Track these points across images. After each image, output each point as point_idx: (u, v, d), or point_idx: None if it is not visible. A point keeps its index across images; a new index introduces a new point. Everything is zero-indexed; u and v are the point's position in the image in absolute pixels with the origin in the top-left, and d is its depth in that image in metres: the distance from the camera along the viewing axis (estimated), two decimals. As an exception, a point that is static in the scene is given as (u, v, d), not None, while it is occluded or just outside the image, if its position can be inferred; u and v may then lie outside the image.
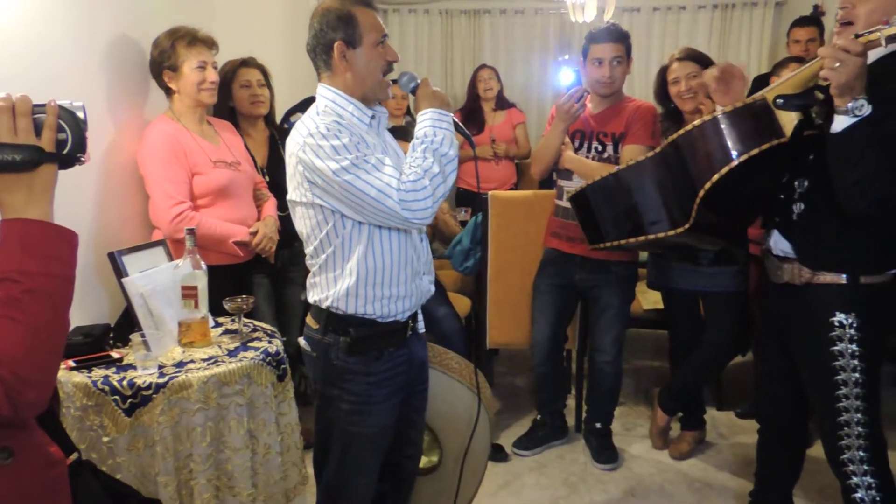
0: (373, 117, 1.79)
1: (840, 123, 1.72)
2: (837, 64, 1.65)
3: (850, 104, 1.68)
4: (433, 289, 1.94)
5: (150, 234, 2.42)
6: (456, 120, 1.79)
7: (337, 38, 1.70)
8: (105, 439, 1.80)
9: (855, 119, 1.69)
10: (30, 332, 0.98)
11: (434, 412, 2.19)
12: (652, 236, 2.12)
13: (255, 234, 2.54)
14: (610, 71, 2.75)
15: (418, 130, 1.73)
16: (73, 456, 1.20)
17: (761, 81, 3.51)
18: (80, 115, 1.10)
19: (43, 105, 1.06)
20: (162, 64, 2.41)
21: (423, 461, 2.30)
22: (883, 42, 1.62)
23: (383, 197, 1.62)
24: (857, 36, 1.66)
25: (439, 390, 2.21)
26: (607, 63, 2.74)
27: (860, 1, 1.76)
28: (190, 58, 2.39)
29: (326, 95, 1.76)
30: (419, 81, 1.83)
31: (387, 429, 1.86)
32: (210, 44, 2.47)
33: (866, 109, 1.68)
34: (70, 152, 1.08)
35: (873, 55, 1.73)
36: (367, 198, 1.63)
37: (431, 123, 1.73)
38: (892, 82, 1.72)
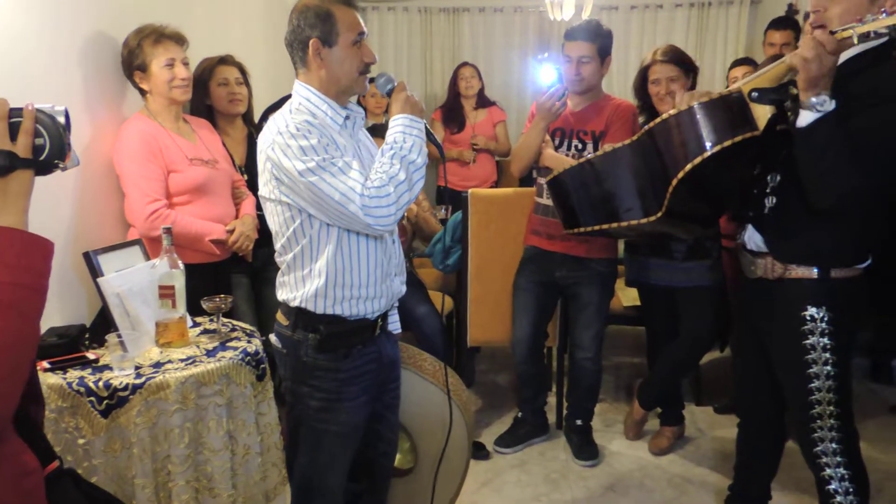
0: (347, 118, 1.79)
1: (805, 118, 1.75)
2: (811, 55, 1.68)
3: (813, 99, 1.71)
4: (404, 289, 1.95)
5: (126, 234, 2.40)
6: (427, 127, 1.80)
7: (313, 35, 1.70)
8: (81, 441, 1.78)
9: (818, 114, 1.71)
10: None
11: (408, 414, 2.20)
12: (625, 223, 2.13)
13: (231, 232, 2.52)
14: (576, 69, 2.76)
15: (388, 136, 1.73)
16: (54, 464, 1.17)
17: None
18: (61, 119, 1.07)
19: (20, 108, 1.03)
20: (132, 64, 2.39)
21: (400, 460, 2.30)
22: (855, 40, 1.64)
23: (346, 201, 1.61)
24: (832, 32, 1.68)
25: (412, 392, 2.21)
26: (574, 61, 2.75)
27: (832, 3, 1.78)
28: (157, 56, 2.36)
29: (301, 93, 1.76)
30: (395, 84, 1.82)
31: (356, 427, 1.86)
32: (178, 39, 2.43)
33: (829, 105, 1.71)
34: (47, 158, 1.05)
35: (842, 56, 1.76)
36: (330, 201, 1.63)
37: (402, 130, 1.73)
38: (858, 81, 1.76)
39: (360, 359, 1.82)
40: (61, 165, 1.08)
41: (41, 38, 2.10)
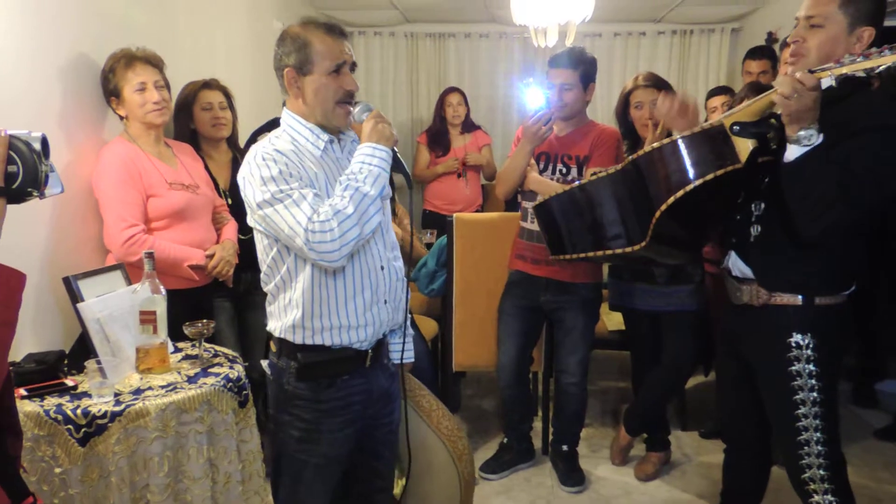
0: (331, 142, 1.77)
1: (792, 152, 1.77)
2: (789, 92, 1.70)
3: (801, 133, 1.73)
4: (399, 318, 1.90)
5: (103, 260, 2.36)
6: (397, 155, 1.75)
7: (288, 63, 1.70)
8: (57, 470, 1.73)
9: (806, 148, 1.73)
10: None
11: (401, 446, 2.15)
12: (611, 251, 2.14)
13: (211, 257, 2.49)
14: (559, 95, 2.79)
15: (350, 165, 1.69)
16: (28, 500, 1.13)
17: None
18: (37, 146, 1.04)
19: None
20: (108, 90, 2.38)
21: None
22: (833, 82, 1.68)
23: (293, 235, 1.59)
24: (812, 71, 1.70)
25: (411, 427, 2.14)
26: (557, 88, 2.78)
27: (810, 35, 1.81)
28: (130, 80, 2.34)
29: (286, 119, 1.76)
30: (369, 113, 1.78)
31: (338, 460, 1.82)
32: (151, 61, 2.39)
33: (816, 139, 1.72)
34: (20, 186, 1.02)
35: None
36: (282, 233, 1.62)
37: (361, 160, 1.68)
38: (838, 109, 1.77)
39: (345, 390, 1.77)
40: (35, 193, 1.05)
41: (20, 60, 2.08)
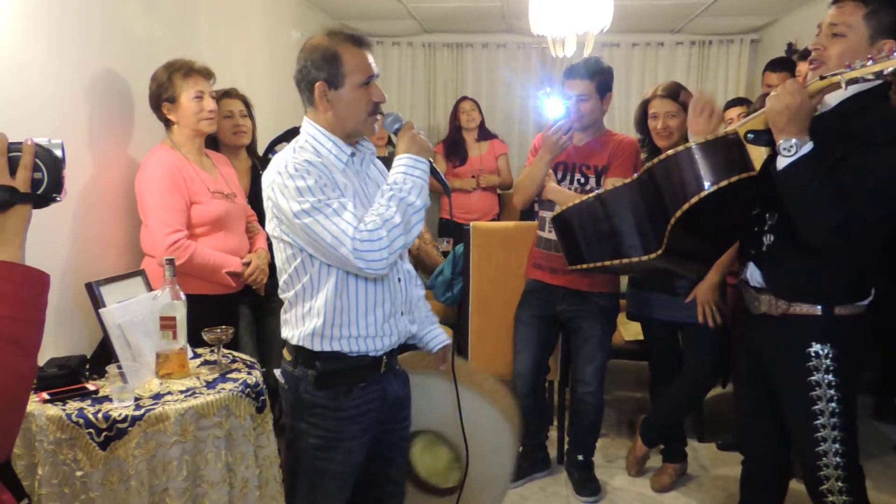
0: (353, 154, 1.78)
1: (779, 162, 1.80)
2: (770, 103, 1.76)
3: (782, 143, 1.76)
4: (415, 328, 1.92)
5: (130, 265, 2.41)
6: (433, 165, 1.77)
7: (319, 77, 1.70)
8: (78, 474, 1.76)
9: (788, 159, 1.76)
10: None
11: (455, 431, 2.10)
12: (627, 260, 2.14)
13: (247, 264, 2.56)
14: (575, 106, 2.80)
15: (390, 176, 1.71)
16: (23, 503, 1.16)
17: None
18: (58, 153, 1.08)
19: (19, 143, 1.04)
20: (160, 96, 2.44)
21: (438, 478, 2.23)
22: (843, 85, 1.70)
23: (338, 244, 1.60)
24: (822, 77, 1.73)
25: (471, 412, 2.10)
26: (574, 99, 2.79)
27: (831, 44, 1.82)
28: (187, 88, 2.43)
29: (308, 130, 1.77)
30: (402, 123, 1.81)
31: (355, 467, 1.83)
32: (206, 74, 2.51)
33: (795, 150, 1.75)
34: (45, 192, 1.06)
35: (838, 96, 1.81)
36: (323, 243, 1.62)
37: (404, 171, 1.70)
38: (857, 121, 1.79)
39: (362, 397, 1.78)
40: (58, 199, 1.09)
41: (45, 74, 2.13)
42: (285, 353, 1.83)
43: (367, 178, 1.83)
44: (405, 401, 1.95)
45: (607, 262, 2.23)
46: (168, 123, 2.48)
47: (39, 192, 1.06)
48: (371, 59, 1.74)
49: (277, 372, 1.87)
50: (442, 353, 2.05)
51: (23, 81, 2.03)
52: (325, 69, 1.69)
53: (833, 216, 1.74)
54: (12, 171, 1.03)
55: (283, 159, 1.68)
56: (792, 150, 1.75)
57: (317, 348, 1.74)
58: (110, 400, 1.85)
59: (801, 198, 1.77)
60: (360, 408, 1.78)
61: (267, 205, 1.72)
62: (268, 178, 1.70)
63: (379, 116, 1.80)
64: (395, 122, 1.81)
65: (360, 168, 1.82)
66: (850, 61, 1.73)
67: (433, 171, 1.77)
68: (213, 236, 2.48)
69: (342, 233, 1.59)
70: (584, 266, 2.34)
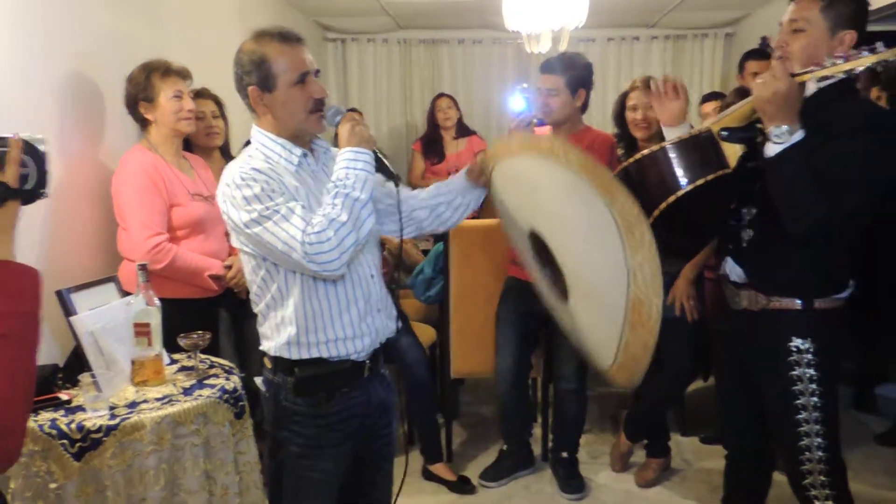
0: (305, 155, 1.72)
1: (769, 149, 1.78)
2: (757, 90, 1.75)
3: (773, 130, 1.75)
4: (393, 325, 1.87)
5: (102, 270, 2.35)
6: (380, 156, 1.70)
7: (251, 82, 1.65)
8: (52, 486, 1.71)
9: (779, 146, 1.75)
10: (6, 377, 0.93)
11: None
12: None
13: (229, 267, 2.52)
14: (543, 100, 2.80)
15: (334, 173, 1.64)
16: None
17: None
18: (42, 148, 1.07)
19: (5, 138, 1.02)
20: (137, 96, 2.40)
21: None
22: (815, 86, 1.73)
23: (289, 249, 1.55)
24: (794, 75, 1.74)
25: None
26: (543, 93, 2.79)
27: (793, 39, 1.83)
28: (165, 88, 2.40)
29: (256, 137, 1.72)
30: (343, 115, 1.74)
31: (339, 474, 1.79)
32: (184, 75, 2.48)
33: (787, 137, 1.74)
34: (33, 188, 1.06)
35: (807, 90, 1.82)
36: (275, 250, 1.58)
37: (346, 165, 1.63)
38: (827, 113, 1.79)
39: (343, 403, 1.74)
40: (45, 194, 1.08)
41: (11, 72, 2.07)
42: (266, 361, 1.79)
43: (324, 176, 1.75)
44: (389, 406, 1.91)
45: None
46: (144, 124, 2.44)
47: (27, 187, 1.05)
48: (305, 55, 1.67)
49: (259, 380, 1.83)
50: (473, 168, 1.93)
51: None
52: (254, 74, 1.64)
53: (823, 205, 1.74)
54: (0, 166, 1.02)
55: (231, 169, 1.64)
56: (783, 136, 1.74)
57: (295, 357, 1.70)
58: (84, 410, 1.80)
59: (789, 186, 1.76)
60: (342, 414, 1.75)
61: (224, 218, 1.67)
62: (219, 190, 1.66)
63: (323, 113, 1.74)
64: (335, 115, 1.73)
65: (316, 168, 1.75)
66: (813, 55, 1.75)
67: (378, 162, 1.69)
68: (194, 239, 2.44)
69: (291, 238, 1.55)
70: None
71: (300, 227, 1.55)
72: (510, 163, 1.87)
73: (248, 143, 3.05)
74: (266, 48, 1.64)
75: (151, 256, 2.27)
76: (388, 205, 1.86)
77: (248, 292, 2.60)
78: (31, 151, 1.05)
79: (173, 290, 2.21)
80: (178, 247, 2.36)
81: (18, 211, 1.04)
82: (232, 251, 2.62)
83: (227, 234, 2.63)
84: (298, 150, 1.70)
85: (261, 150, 1.70)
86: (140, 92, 2.39)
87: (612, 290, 1.62)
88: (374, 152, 1.69)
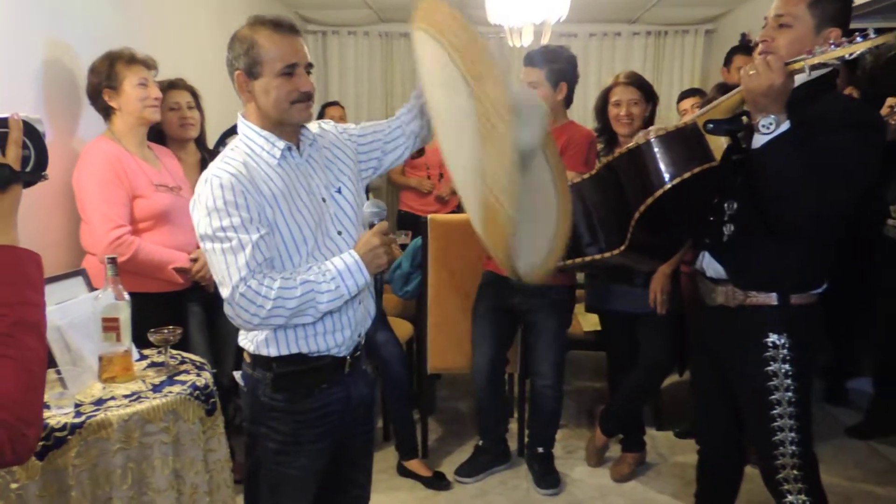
0: (289, 149, 1.67)
1: (756, 140, 1.77)
2: (746, 80, 1.73)
3: (760, 121, 1.74)
4: (372, 314, 1.84)
5: (70, 264, 2.31)
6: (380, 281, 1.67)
7: (238, 67, 1.63)
8: (14, 486, 1.66)
9: (766, 136, 1.74)
10: (23, 367, 0.92)
11: None
12: (588, 258, 2.11)
13: (195, 260, 2.46)
14: None
15: (329, 261, 1.61)
16: None
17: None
18: (40, 128, 1.04)
19: (5, 118, 0.99)
20: (100, 84, 2.35)
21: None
22: (807, 70, 1.69)
23: (220, 282, 1.56)
24: (787, 64, 1.71)
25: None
26: (525, 86, 2.78)
27: (778, 34, 1.82)
28: (130, 76, 2.36)
29: (241, 129, 1.69)
30: (380, 221, 1.68)
31: (317, 471, 1.77)
32: (149, 64, 2.44)
33: (774, 127, 1.73)
34: (33, 169, 1.03)
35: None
36: (214, 273, 1.58)
37: (338, 272, 1.59)
38: (810, 108, 1.78)
39: (322, 399, 1.72)
40: (45, 177, 1.05)
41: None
42: (245, 355, 1.76)
43: (309, 168, 1.71)
44: (371, 403, 1.90)
45: (568, 262, 2.20)
46: (107, 114, 2.39)
47: (27, 169, 1.02)
48: (297, 46, 1.63)
49: (237, 374, 1.80)
50: None
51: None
52: (242, 59, 1.61)
53: (813, 198, 1.73)
54: (1, 148, 0.99)
55: (211, 169, 1.61)
56: (771, 126, 1.73)
57: (274, 353, 1.68)
58: (48, 407, 1.76)
59: (779, 177, 1.74)
60: (320, 410, 1.72)
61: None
62: (199, 182, 1.63)
63: (328, 126, 1.74)
64: (374, 216, 1.69)
65: (300, 160, 1.70)
66: (799, 51, 1.74)
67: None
68: (158, 231, 2.40)
69: (228, 276, 1.53)
70: None
71: (241, 271, 1.53)
72: (416, 33, 1.76)
73: (224, 133, 3.05)
74: (257, 34, 1.60)
75: (112, 249, 2.22)
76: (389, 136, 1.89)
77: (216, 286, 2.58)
78: (30, 132, 1.02)
79: (137, 283, 2.16)
80: (141, 239, 2.32)
81: (20, 195, 1.01)
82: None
83: None
84: (282, 144, 1.66)
85: (244, 141, 1.67)
86: (104, 80, 2.35)
87: (470, 187, 1.56)
88: (376, 277, 1.67)
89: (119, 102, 2.37)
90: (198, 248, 2.53)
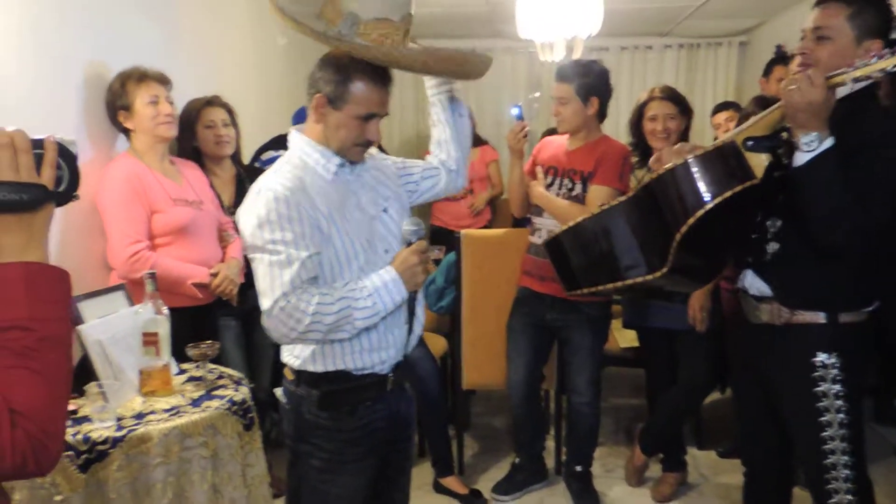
0: (342, 165, 1.68)
1: (797, 159, 1.73)
2: (788, 96, 1.69)
3: (802, 138, 1.69)
4: (414, 340, 1.82)
5: (108, 280, 2.33)
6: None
7: (322, 90, 1.62)
8: (57, 498, 1.68)
9: (808, 154, 1.69)
10: (49, 382, 0.94)
11: None
12: (629, 281, 2.07)
13: (215, 275, 2.45)
14: (554, 108, 2.81)
15: (367, 279, 1.62)
16: None
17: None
18: (74, 150, 1.07)
19: (41, 140, 1.02)
20: (115, 104, 2.37)
21: None
22: (850, 87, 1.66)
23: (262, 294, 1.56)
24: (828, 78, 1.67)
25: None
26: (555, 101, 2.79)
27: (818, 47, 1.78)
28: (141, 94, 2.36)
29: (295, 142, 1.70)
30: (417, 240, 1.70)
31: (360, 490, 1.75)
32: (161, 80, 2.43)
33: (816, 145, 1.68)
34: (66, 190, 1.05)
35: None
36: (257, 283, 1.59)
37: (376, 289, 1.60)
38: (853, 123, 1.73)
39: (367, 417, 1.71)
40: (77, 196, 1.08)
41: (31, 77, 2.07)
42: (287, 372, 1.76)
43: (356, 186, 1.72)
44: (411, 420, 1.90)
45: (608, 286, 2.15)
46: (126, 132, 2.41)
47: (61, 189, 1.04)
48: (386, 98, 1.65)
49: (279, 391, 1.79)
50: None
51: (6, 85, 1.98)
52: (330, 86, 1.61)
53: (858, 215, 1.68)
54: (36, 169, 1.01)
55: (263, 181, 1.62)
56: (813, 144, 1.68)
57: (320, 369, 1.67)
58: (90, 420, 1.78)
59: (823, 195, 1.70)
60: (365, 429, 1.71)
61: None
62: (247, 196, 1.63)
63: (372, 150, 1.76)
64: (413, 234, 1.71)
65: (351, 178, 1.72)
66: (840, 64, 1.69)
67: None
68: (178, 246, 2.38)
69: (270, 289, 1.54)
70: (582, 291, 2.27)
71: (284, 286, 1.53)
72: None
73: (260, 149, 3.08)
74: (356, 73, 1.60)
75: (130, 265, 2.23)
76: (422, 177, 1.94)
77: (252, 299, 2.58)
78: (64, 153, 1.05)
79: (164, 299, 2.16)
80: (158, 255, 2.31)
81: (52, 214, 1.04)
82: (223, 257, 2.58)
83: (222, 240, 2.60)
84: (337, 159, 1.68)
85: (300, 155, 1.67)
86: (117, 100, 2.37)
87: None
88: (409, 295, 1.69)
89: (133, 122, 2.38)
90: (222, 261, 2.53)
